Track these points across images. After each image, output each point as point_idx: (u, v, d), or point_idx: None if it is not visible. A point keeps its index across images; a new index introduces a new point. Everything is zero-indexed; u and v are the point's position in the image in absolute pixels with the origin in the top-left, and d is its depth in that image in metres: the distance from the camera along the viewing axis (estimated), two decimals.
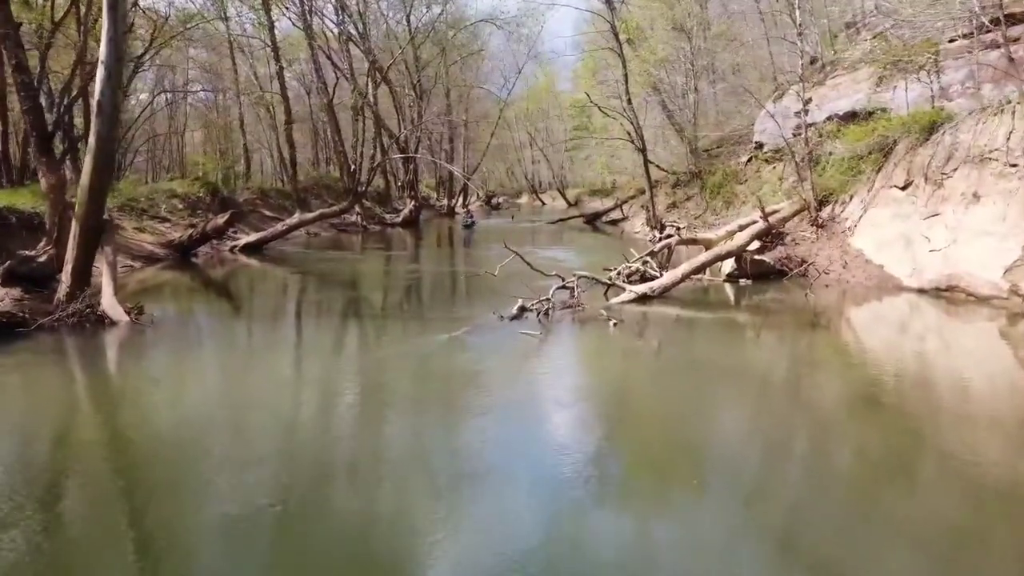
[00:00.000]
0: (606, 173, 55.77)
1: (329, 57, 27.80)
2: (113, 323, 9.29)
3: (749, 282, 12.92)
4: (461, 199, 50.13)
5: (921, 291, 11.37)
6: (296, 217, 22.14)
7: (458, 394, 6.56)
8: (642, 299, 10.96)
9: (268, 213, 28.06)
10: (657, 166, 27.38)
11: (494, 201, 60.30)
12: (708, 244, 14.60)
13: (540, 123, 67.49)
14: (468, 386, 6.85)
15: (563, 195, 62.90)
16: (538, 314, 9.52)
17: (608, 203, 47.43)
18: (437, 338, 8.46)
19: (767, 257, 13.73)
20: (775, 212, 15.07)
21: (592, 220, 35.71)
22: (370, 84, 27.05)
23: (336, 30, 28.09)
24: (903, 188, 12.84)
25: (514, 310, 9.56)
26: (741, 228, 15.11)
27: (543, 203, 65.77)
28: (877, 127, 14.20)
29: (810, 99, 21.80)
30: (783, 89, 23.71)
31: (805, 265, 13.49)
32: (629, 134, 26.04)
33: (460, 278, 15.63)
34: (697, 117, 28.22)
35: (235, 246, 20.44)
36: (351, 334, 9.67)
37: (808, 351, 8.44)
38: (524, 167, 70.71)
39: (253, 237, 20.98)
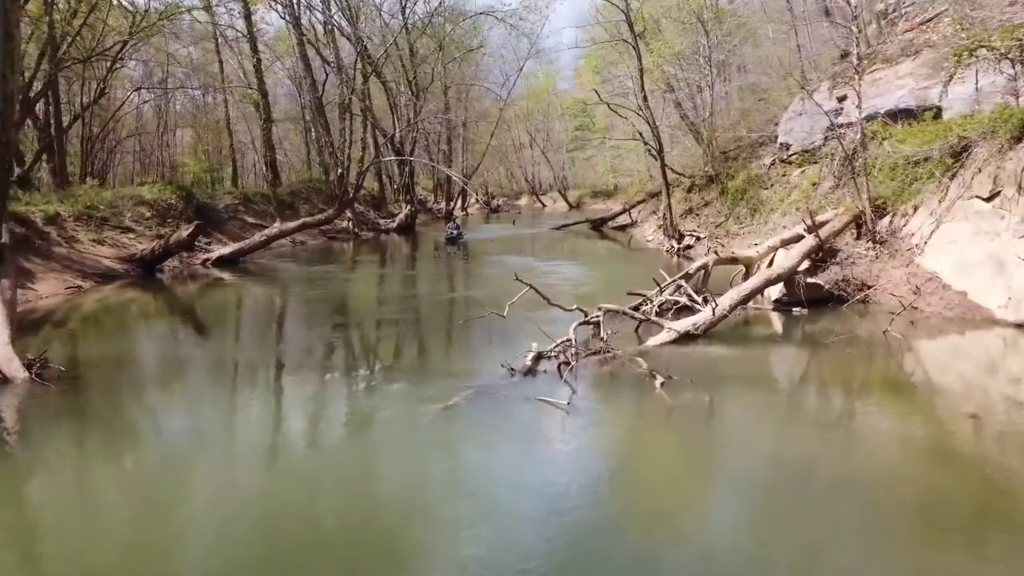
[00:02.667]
0: (610, 175, 53.78)
1: (318, 51, 25.67)
2: (6, 380, 7.18)
3: (804, 311, 10.80)
4: (460, 202, 47.99)
5: (1020, 326, 9.29)
6: (276, 227, 19.99)
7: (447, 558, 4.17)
8: (683, 336, 8.88)
9: (251, 220, 25.94)
10: (671, 169, 25.23)
11: (493, 203, 58.07)
12: (748, 263, 12.51)
13: (540, 123, 65.58)
14: (464, 534, 4.35)
15: (564, 197, 60.94)
16: (559, 365, 7.40)
17: (612, 205, 45.43)
18: (427, 411, 6.21)
19: (820, 279, 11.63)
20: (823, 224, 12.96)
21: (599, 226, 33.55)
22: (358, 76, 24.63)
23: (322, 19, 25.84)
24: (988, 199, 10.74)
25: (527, 360, 7.44)
26: (784, 243, 13.03)
27: (544, 205, 63.78)
28: (953, 126, 12.09)
29: (845, 96, 19.85)
30: (812, 85, 21.62)
31: (867, 290, 11.40)
32: (641, 134, 23.95)
33: (460, 305, 13.32)
34: (714, 116, 26.14)
35: (208, 259, 18.31)
36: (319, 402, 7.11)
37: (932, 436, 5.97)
38: (524, 168, 68.71)
39: (228, 249, 18.83)
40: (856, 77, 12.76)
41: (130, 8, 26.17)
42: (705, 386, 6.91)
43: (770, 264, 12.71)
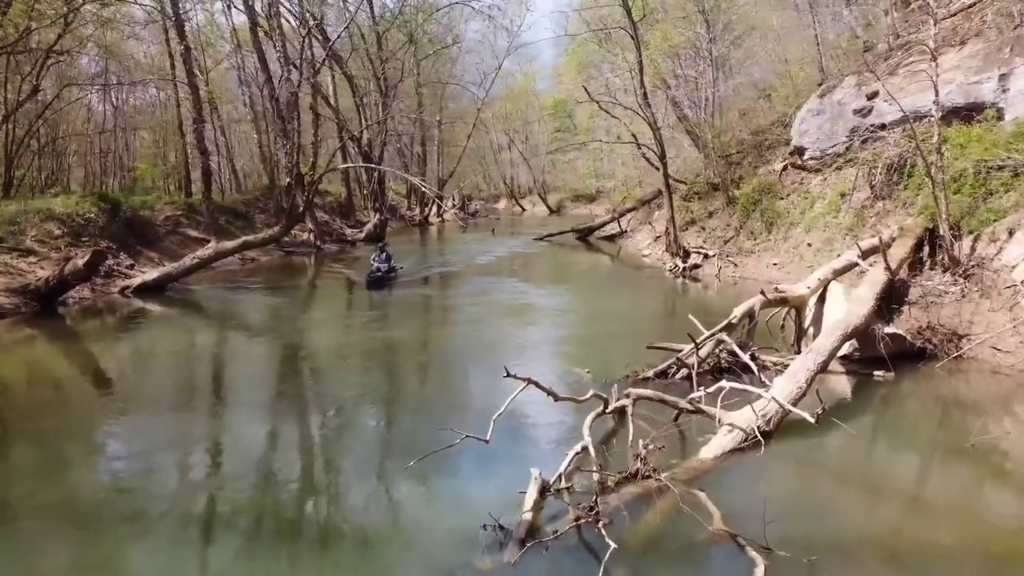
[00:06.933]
0: (592, 178, 50.97)
1: (268, 34, 22.46)
2: None
3: (889, 375, 8.04)
4: (435, 208, 44.98)
5: None
6: (211, 247, 16.84)
7: None
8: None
9: (194, 234, 22.72)
10: (672, 177, 22.44)
11: (471, 208, 55.00)
12: (800, 303, 9.74)
13: (519, 124, 62.79)
14: None
15: (544, 201, 58.25)
16: (577, 519, 4.54)
17: (594, 210, 42.68)
18: None
19: (900, 327, 8.91)
20: (888, 247, 10.24)
21: (585, 235, 30.78)
22: (303, 46, 20.62)
23: None
24: None
25: (526, 509, 4.54)
26: (836, 273, 10.31)
27: (523, 209, 60.96)
28: None
29: (876, 93, 17.26)
30: (834, 81, 18.98)
31: (961, 342, 8.69)
32: (635, 137, 21.14)
33: (433, 381, 9.54)
34: (716, 116, 23.45)
35: (127, 287, 15.18)
36: None
37: None
38: (502, 170, 65.80)
39: (153, 275, 15.66)
40: (934, 64, 10.05)
41: None
42: (835, 570, 4.06)
43: (820, 299, 10.00)
